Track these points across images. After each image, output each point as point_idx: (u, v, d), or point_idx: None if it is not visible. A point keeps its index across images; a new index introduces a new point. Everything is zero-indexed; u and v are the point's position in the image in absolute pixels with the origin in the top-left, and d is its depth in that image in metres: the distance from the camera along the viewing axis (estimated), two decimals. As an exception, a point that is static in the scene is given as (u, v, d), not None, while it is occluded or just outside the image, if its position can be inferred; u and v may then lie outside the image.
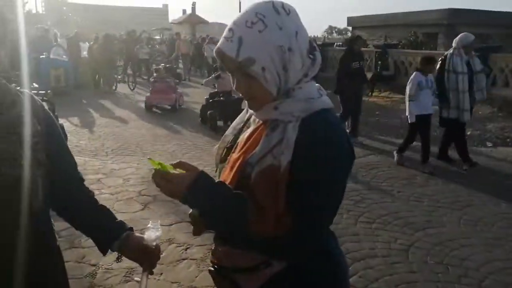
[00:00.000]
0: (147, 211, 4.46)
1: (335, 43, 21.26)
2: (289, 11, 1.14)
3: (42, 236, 1.38)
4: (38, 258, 1.36)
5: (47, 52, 13.07)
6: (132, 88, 14.11)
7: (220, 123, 8.55)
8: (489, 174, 5.84)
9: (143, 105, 10.92)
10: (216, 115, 8.60)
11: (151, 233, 1.45)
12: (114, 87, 13.77)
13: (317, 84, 1.22)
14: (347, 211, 4.44)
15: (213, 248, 1.31)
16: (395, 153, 6.31)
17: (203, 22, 30.81)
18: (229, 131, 1.37)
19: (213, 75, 9.56)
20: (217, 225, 1.17)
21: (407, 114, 5.90)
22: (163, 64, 16.86)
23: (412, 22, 20.49)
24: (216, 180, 1.18)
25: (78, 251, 3.53)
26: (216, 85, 9.22)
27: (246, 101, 1.24)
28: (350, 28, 29.25)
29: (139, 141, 7.60)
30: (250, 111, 1.29)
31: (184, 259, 3.49)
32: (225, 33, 1.14)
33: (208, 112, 8.73)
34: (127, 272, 3.26)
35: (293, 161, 1.09)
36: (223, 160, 1.31)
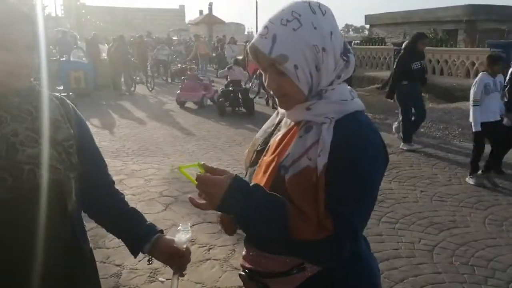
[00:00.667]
0: (169, 211, 4.50)
1: (353, 42, 21.10)
2: (325, 12, 1.14)
3: (76, 238, 1.40)
4: (73, 261, 1.39)
5: (67, 55, 13.30)
6: (150, 89, 14.24)
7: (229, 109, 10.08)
8: (514, 173, 5.72)
9: (161, 106, 11.01)
10: (224, 102, 10.03)
11: (182, 236, 1.45)
12: (132, 88, 13.91)
13: (348, 86, 1.21)
14: (369, 211, 4.40)
15: (244, 253, 1.30)
16: (468, 179, 5.37)
17: (220, 22, 30.93)
18: (259, 134, 1.36)
19: (226, 68, 11.15)
20: (256, 228, 1.12)
21: (470, 120, 5.23)
22: (179, 65, 17.07)
23: (432, 19, 20.24)
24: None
25: (103, 252, 3.58)
26: (228, 76, 10.49)
27: (277, 100, 1.22)
28: (367, 26, 29.01)
29: (159, 142, 7.67)
30: (281, 113, 1.29)
31: (207, 260, 3.51)
32: (260, 30, 1.15)
33: (219, 99, 10.17)
34: (151, 272, 3.29)
35: (328, 163, 1.08)
36: (253, 163, 1.29)
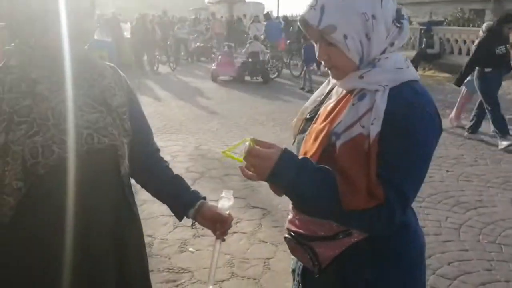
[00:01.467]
0: (196, 186, 4.50)
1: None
2: None
3: (127, 200, 1.46)
4: (124, 222, 1.46)
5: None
6: (173, 69, 14.30)
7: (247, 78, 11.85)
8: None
9: (184, 84, 11.11)
10: (243, 72, 11.86)
11: (225, 202, 1.49)
12: (155, 67, 14.00)
13: (403, 54, 1.19)
14: (394, 190, 4.40)
15: (290, 216, 1.31)
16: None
17: (240, 1, 30.63)
18: (309, 103, 1.36)
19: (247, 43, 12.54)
20: (305, 200, 1.13)
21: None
22: (198, 43, 17.13)
23: (458, -2, 19.65)
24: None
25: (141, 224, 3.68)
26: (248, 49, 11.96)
27: (329, 71, 1.23)
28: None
29: (183, 120, 7.75)
30: (332, 82, 1.29)
31: (235, 233, 3.58)
32: (309, 1, 1.14)
33: (239, 69, 11.84)
34: (182, 243, 3.38)
35: (382, 131, 1.07)
36: (302, 131, 1.31)
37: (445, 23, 15.66)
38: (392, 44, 1.15)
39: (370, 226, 1.11)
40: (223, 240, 1.52)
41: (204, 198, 1.56)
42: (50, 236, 1.31)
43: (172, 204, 1.57)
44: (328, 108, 1.23)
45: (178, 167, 5.18)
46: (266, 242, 3.46)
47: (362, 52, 1.13)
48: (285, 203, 4.31)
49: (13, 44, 1.32)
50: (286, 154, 1.10)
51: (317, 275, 1.23)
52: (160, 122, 7.56)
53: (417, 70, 7.43)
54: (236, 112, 8.36)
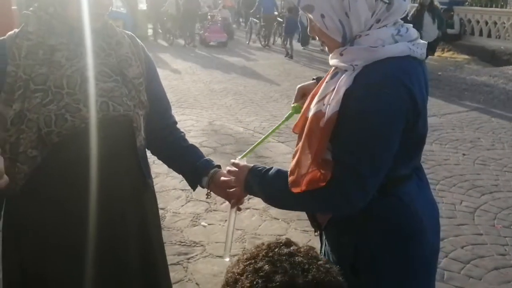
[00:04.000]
0: (208, 161, 4.57)
1: None
2: None
3: (142, 173, 1.45)
4: (139, 193, 1.45)
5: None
6: (188, 43, 14.25)
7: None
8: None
9: (198, 59, 11.04)
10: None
11: None
12: (170, 41, 14.02)
13: (403, 28, 1.14)
14: (409, 171, 4.36)
15: None
16: None
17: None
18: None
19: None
20: (270, 199, 1.29)
21: None
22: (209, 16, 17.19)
23: (482, -23, 19.03)
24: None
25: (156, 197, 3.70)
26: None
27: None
28: (411, -17, 27.61)
29: (196, 95, 7.72)
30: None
31: (247, 209, 3.59)
32: None
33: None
34: (194, 217, 3.40)
35: (339, 111, 1.08)
36: None
37: (467, 2, 15.21)
38: (378, 21, 1.11)
39: (328, 206, 1.19)
40: (239, 209, 1.49)
41: (219, 166, 1.53)
42: (68, 202, 1.31)
43: (185, 171, 1.55)
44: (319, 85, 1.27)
45: (191, 142, 5.16)
46: (278, 219, 3.46)
47: (344, 30, 1.12)
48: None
49: (31, 8, 1.29)
50: (252, 170, 1.28)
51: (316, 234, 1.40)
52: (174, 96, 7.53)
53: (435, 50, 7.31)
54: (251, 88, 8.30)
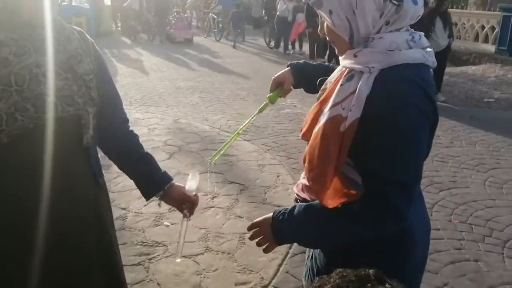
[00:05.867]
0: (173, 160, 4.53)
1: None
2: None
3: (92, 171, 1.42)
4: (89, 192, 1.42)
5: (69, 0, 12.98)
6: (152, 39, 14.07)
7: None
8: (517, 138, 5.74)
9: (164, 56, 10.91)
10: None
11: (192, 184, 1.54)
12: (133, 37, 13.83)
13: (416, 34, 1.12)
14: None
15: (298, 182, 1.36)
16: None
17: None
18: (330, 78, 1.30)
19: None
20: (317, 239, 1.20)
21: None
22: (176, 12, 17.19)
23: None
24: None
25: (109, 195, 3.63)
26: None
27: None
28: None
29: (162, 92, 7.63)
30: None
31: (211, 207, 3.57)
32: None
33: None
34: (157, 216, 3.35)
35: (362, 118, 1.05)
36: None
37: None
38: (387, 23, 1.08)
39: (377, 228, 1.12)
40: (189, 219, 1.56)
41: (172, 179, 1.57)
42: (18, 202, 1.28)
43: (140, 183, 1.56)
44: (326, 87, 1.23)
45: (155, 140, 5.11)
46: (242, 218, 3.46)
47: (351, 29, 1.10)
48: (262, 179, 4.33)
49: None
50: (275, 216, 1.21)
51: None
52: (139, 94, 7.43)
53: (446, 60, 6.96)
54: (218, 86, 8.26)
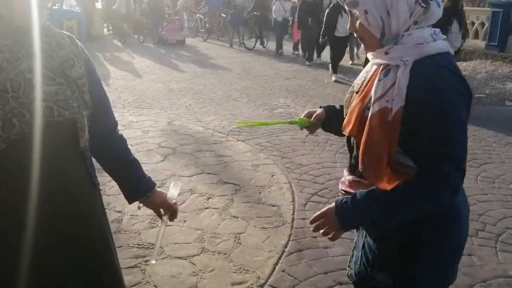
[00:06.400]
0: (167, 162, 4.54)
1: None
2: None
3: (89, 173, 1.43)
4: (85, 194, 1.43)
5: (60, 3, 12.94)
6: (141, 41, 14.08)
7: None
8: (509, 132, 5.79)
9: (156, 58, 10.89)
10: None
11: (174, 192, 1.62)
12: (123, 40, 13.83)
13: (435, 29, 1.25)
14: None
15: (343, 178, 1.47)
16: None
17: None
18: (357, 79, 1.42)
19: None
20: (382, 220, 1.26)
21: None
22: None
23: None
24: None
25: (104, 198, 3.60)
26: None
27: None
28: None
29: (155, 94, 7.62)
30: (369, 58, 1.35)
31: (206, 208, 3.58)
32: None
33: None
34: (152, 219, 3.36)
35: (407, 106, 1.15)
36: (350, 105, 1.40)
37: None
38: (416, 23, 1.20)
39: (436, 201, 1.22)
40: (171, 219, 1.67)
41: (155, 185, 1.64)
42: (16, 207, 1.28)
43: (125, 188, 1.62)
44: (364, 83, 1.33)
45: (149, 143, 5.11)
46: (238, 218, 3.47)
47: (383, 28, 1.20)
48: (257, 178, 4.34)
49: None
50: (339, 204, 1.29)
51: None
52: (132, 97, 7.42)
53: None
54: (211, 87, 8.27)
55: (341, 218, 1.27)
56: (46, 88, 1.27)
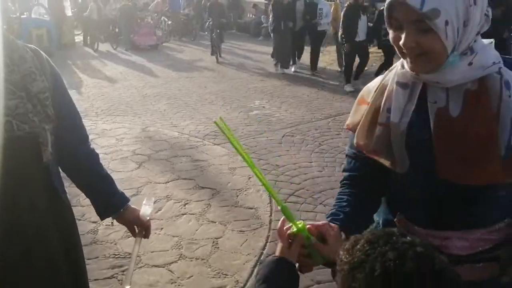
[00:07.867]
0: (142, 169, 4.49)
1: None
2: None
3: (55, 188, 1.41)
4: (53, 209, 1.40)
5: (28, 12, 12.66)
6: (114, 47, 13.91)
7: None
8: None
9: (129, 64, 10.79)
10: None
11: (147, 209, 1.59)
12: (96, 47, 13.63)
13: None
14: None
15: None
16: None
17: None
18: (397, 117, 1.12)
19: None
20: None
21: None
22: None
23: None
24: None
25: (78, 209, 3.56)
26: None
27: (409, 60, 1.08)
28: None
29: (129, 101, 7.54)
30: (410, 80, 1.12)
31: (183, 214, 3.56)
32: None
33: None
34: (128, 228, 3.32)
35: None
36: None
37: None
38: (478, 33, 1.06)
39: None
40: (146, 237, 1.62)
41: (128, 200, 1.60)
42: None
43: (97, 203, 1.58)
44: (455, 115, 1.07)
45: (124, 150, 5.05)
46: (215, 222, 3.46)
47: (456, 41, 1.02)
48: (234, 182, 4.33)
49: None
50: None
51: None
52: (105, 104, 7.32)
53: None
54: (185, 91, 8.22)
55: None
56: (7, 102, 1.25)
